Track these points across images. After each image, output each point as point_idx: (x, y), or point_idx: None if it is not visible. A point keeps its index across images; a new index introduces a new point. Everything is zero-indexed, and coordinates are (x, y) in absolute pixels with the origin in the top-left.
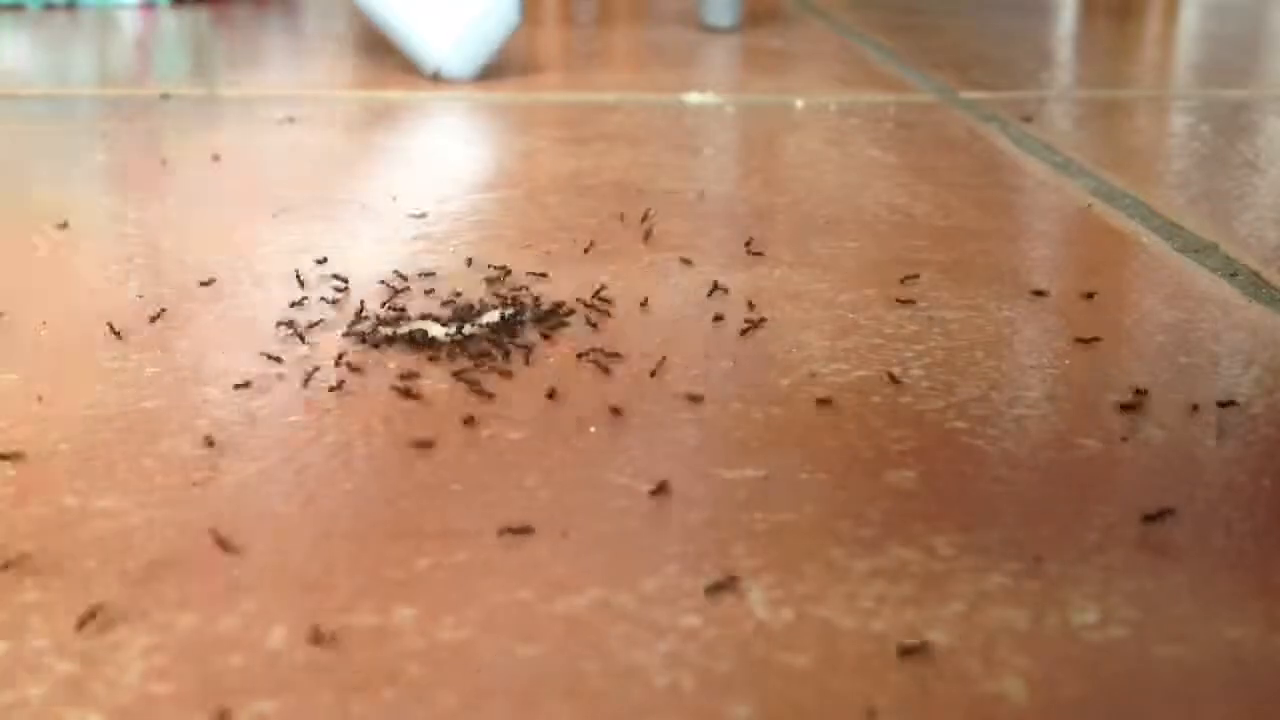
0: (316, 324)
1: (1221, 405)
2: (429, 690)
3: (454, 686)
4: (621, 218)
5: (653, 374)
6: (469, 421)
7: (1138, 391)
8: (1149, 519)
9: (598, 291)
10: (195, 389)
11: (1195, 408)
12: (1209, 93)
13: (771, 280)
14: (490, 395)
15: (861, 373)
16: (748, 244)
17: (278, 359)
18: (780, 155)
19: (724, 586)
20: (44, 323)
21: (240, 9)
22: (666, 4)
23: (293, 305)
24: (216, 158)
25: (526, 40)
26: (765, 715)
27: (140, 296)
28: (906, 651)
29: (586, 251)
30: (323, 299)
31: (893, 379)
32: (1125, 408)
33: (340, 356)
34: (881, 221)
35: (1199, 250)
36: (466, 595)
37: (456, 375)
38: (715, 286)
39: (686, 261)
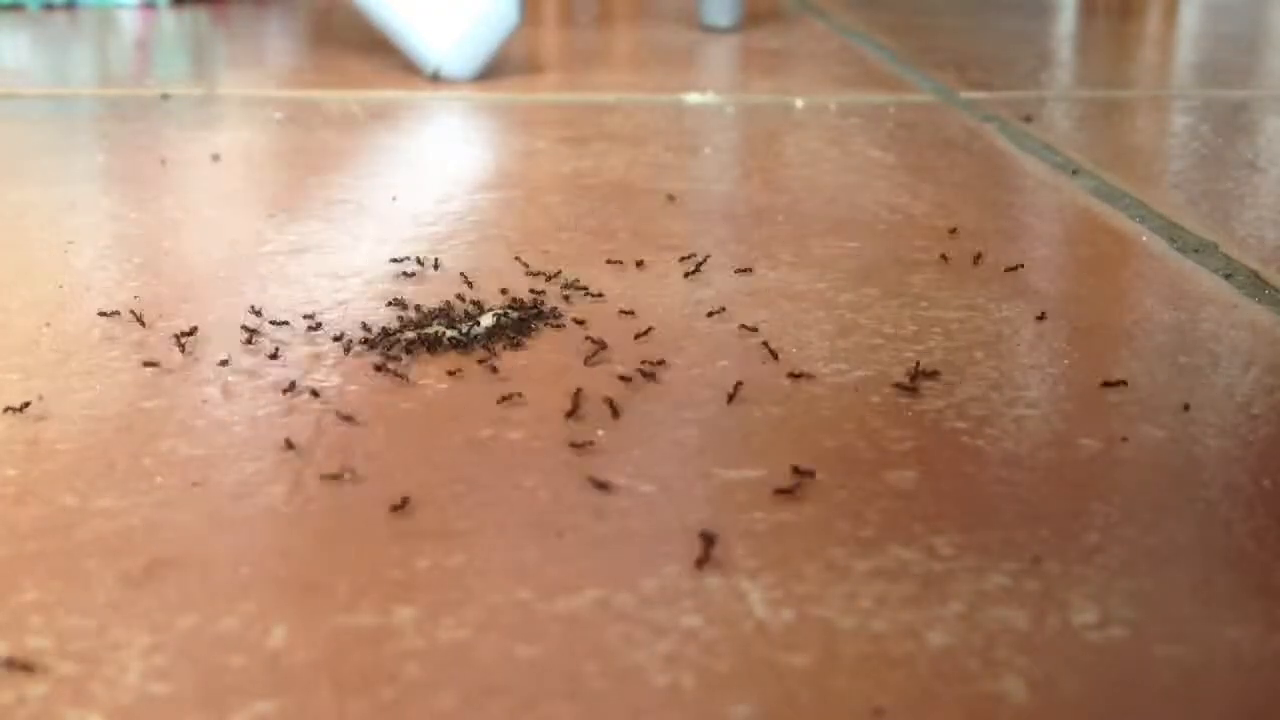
0: (317, 325)
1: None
2: (429, 690)
3: (454, 686)
4: (621, 218)
5: (652, 374)
6: (469, 422)
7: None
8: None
9: (598, 292)
10: (195, 389)
11: (1186, 407)
12: (1209, 93)
13: (771, 280)
14: (490, 396)
15: (861, 373)
16: (747, 245)
17: (278, 359)
18: (780, 155)
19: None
20: (46, 323)
21: (240, 9)
22: (666, 4)
23: (292, 306)
24: (216, 158)
25: (526, 40)
26: (765, 715)
27: (139, 296)
28: None
29: (586, 252)
30: (323, 300)
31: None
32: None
33: (340, 357)
34: (881, 221)
35: (1199, 250)
36: (466, 595)
37: (456, 375)
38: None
39: (686, 261)
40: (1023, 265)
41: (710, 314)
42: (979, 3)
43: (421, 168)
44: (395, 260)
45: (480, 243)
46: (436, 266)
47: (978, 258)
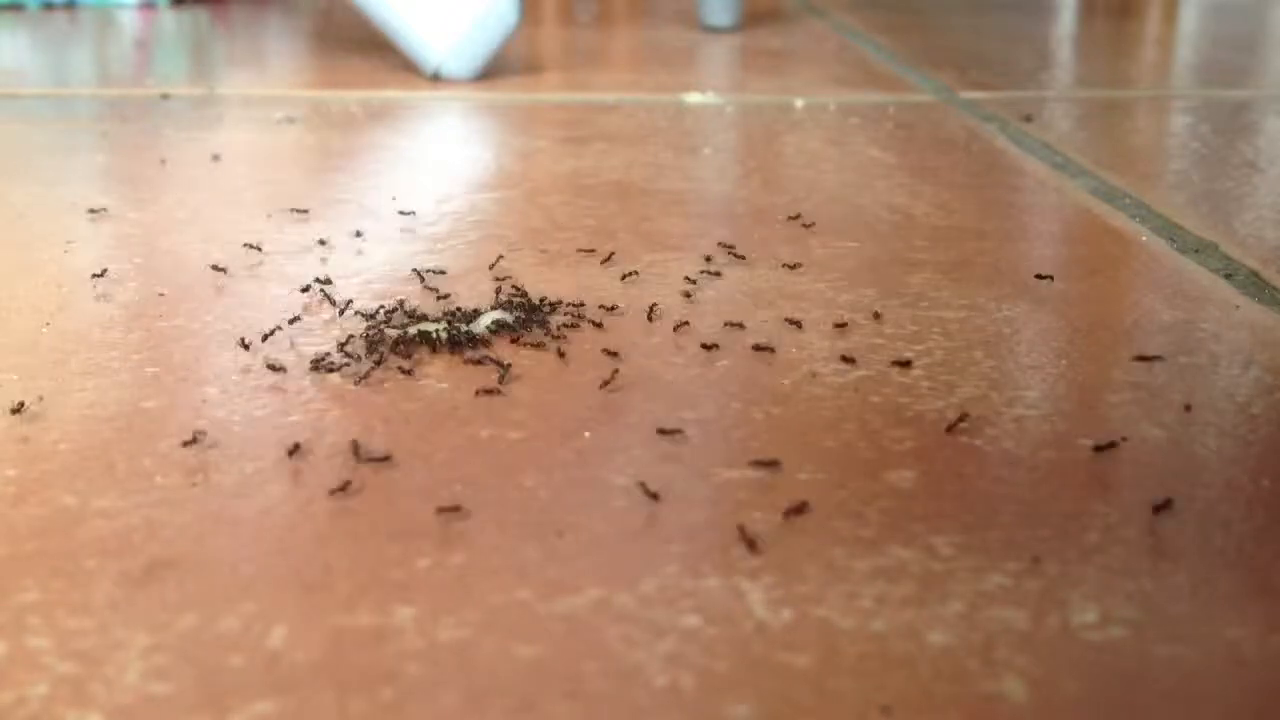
0: (317, 325)
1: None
2: (429, 690)
3: (454, 686)
4: (621, 218)
5: (652, 374)
6: (469, 422)
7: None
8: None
9: (597, 291)
10: (195, 389)
11: (1187, 407)
12: (1209, 93)
13: (772, 280)
14: (490, 396)
15: (861, 373)
16: (737, 245)
17: (278, 359)
18: (780, 155)
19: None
20: (46, 323)
21: (240, 9)
22: (666, 4)
23: (292, 306)
24: (216, 158)
25: (526, 40)
26: (765, 715)
27: (140, 297)
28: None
29: (586, 251)
30: (323, 300)
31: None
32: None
33: (340, 357)
34: (881, 221)
35: (1199, 250)
36: (466, 595)
37: (456, 375)
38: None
39: (686, 261)
40: (1023, 265)
41: (710, 313)
42: (978, 3)
43: (421, 168)
44: (394, 261)
45: (480, 242)
46: (436, 267)
47: (978, 258)
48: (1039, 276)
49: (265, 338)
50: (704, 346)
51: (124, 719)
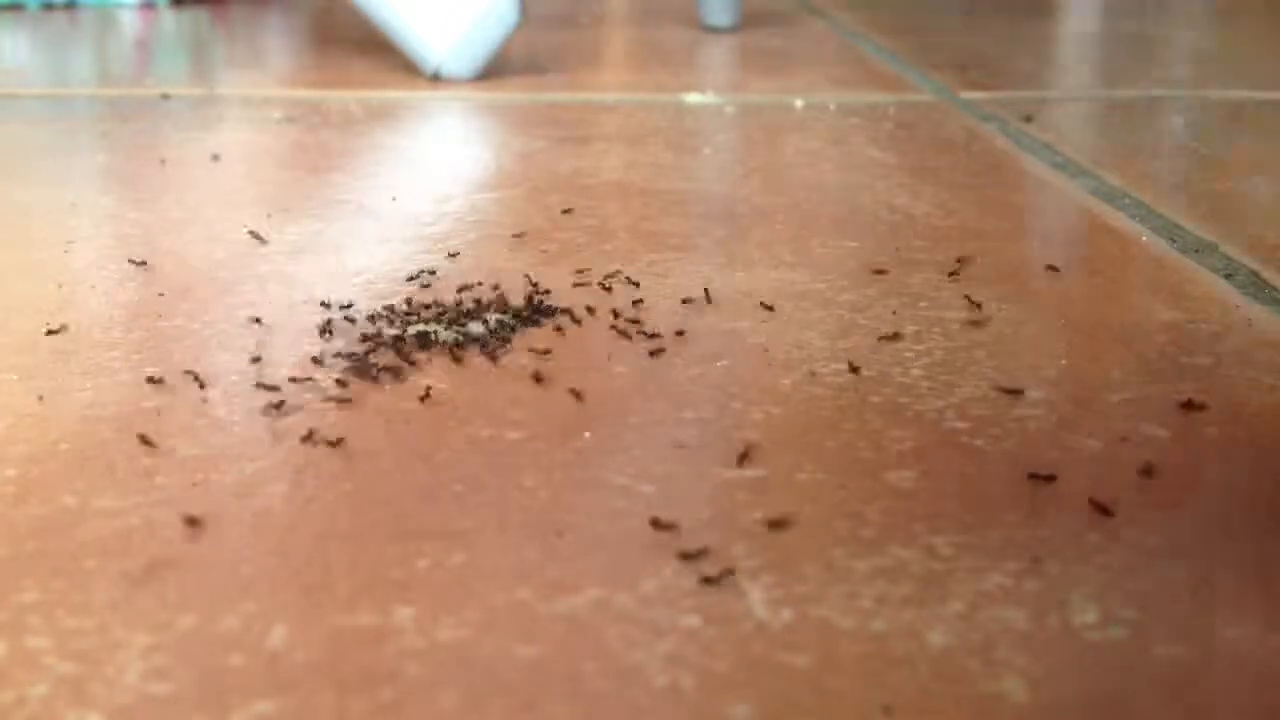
0: (317, 325)
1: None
2: (429, 690)
3: (454, 686)
4: (621, 218)
5: (652, 374)
6: (469, 422)
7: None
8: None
9: (597, 291)
10: (195, 389)
11: (1186, 406)
12: (1209, 93)
13: (771, 280)
14: (490, 396)
15: (862, 373)
16: (748, 244)
17: (277, 359)
18: (780, 155)
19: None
20: (46, 323)
21: (240, 9)
22: (666, 4)
23: (292, 306)
24: (216, 158)
25: (526, 40)
26: (765, 715)
27: (140, 297)
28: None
29: (585, 251)
30: (322, 300)
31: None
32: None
33: (340, 357)
34: (881, 221)
35: (1199, 250)
36: (466, 595)
37: (456, 375)
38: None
39: (686, 261)
40: (1023, 265)
41: (710, 313)
42: (979, 3)
43: (421, 168)
44: (394, 260)
45: (480, 242)
46: (436, 267)
47: (975, 258)
48: (1050, 268)
49: (264, 338)
50: (704, 346)
51: (124, 719)
